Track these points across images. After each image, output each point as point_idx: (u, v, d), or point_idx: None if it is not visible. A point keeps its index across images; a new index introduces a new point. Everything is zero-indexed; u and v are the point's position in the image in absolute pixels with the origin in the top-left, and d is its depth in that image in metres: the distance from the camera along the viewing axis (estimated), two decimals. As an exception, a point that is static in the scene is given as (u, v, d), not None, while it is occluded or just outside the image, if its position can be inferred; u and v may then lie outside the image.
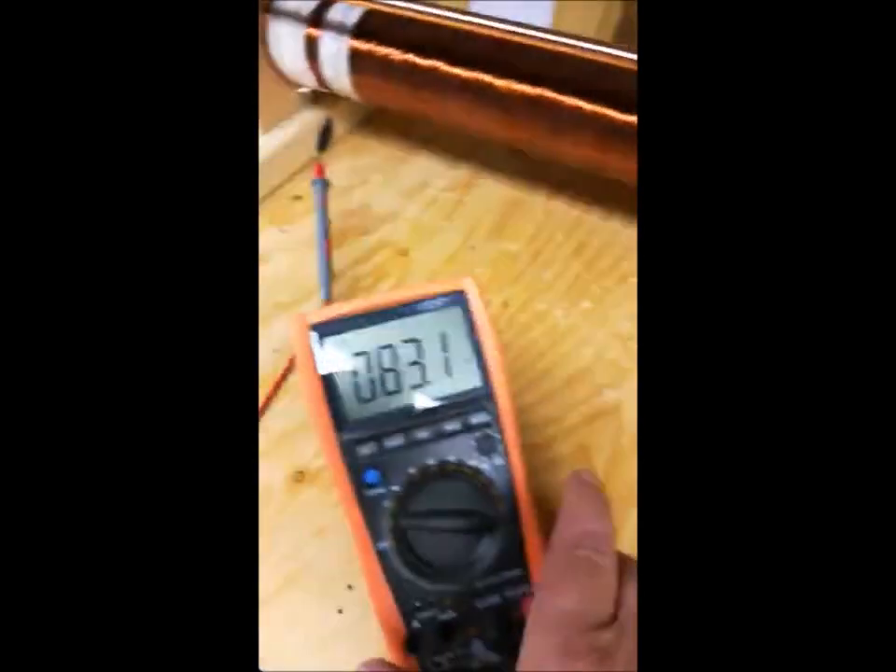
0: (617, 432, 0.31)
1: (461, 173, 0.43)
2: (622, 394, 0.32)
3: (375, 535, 0.23)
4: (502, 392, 0.24)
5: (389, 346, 0.24)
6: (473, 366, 0.24)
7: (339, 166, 0.45)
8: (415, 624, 0.23)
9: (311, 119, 0.45)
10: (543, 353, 0.34)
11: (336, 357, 0.24)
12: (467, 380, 0.24)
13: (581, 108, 0.34)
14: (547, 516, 0.29)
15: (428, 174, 0.44)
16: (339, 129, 0.47)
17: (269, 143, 0.44)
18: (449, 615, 0.23)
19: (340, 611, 0.28)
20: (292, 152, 0.45)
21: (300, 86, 0.44)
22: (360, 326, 0.24)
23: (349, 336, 0.24)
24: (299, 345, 0.24)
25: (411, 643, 0.23)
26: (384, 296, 0.24)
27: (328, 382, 0.24)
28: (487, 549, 0.24)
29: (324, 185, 0.38)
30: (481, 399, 0.24)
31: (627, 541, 0.29)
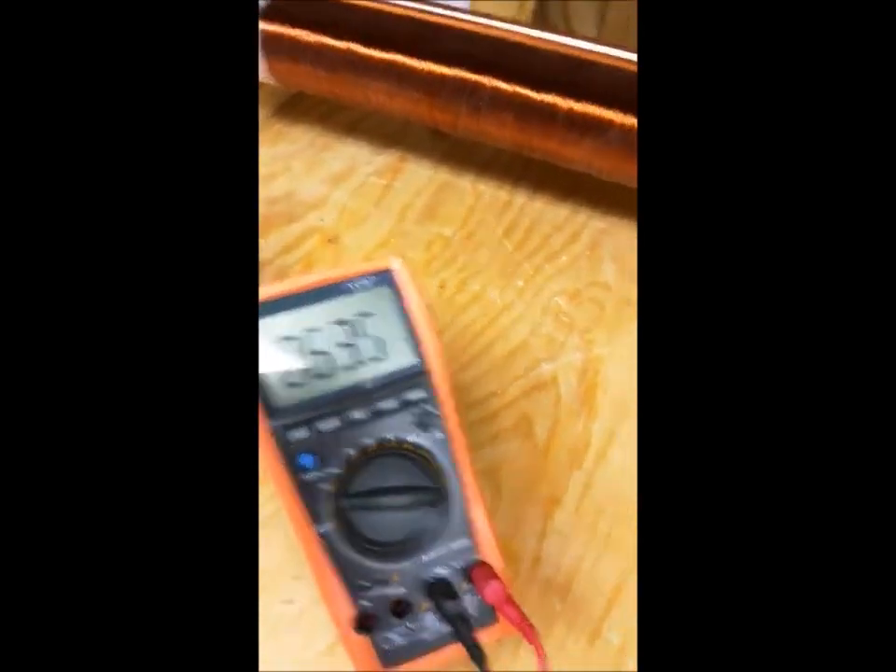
0: (555, 402, 0.32)
1: (388, 158, 0.43)
2: (557, 366, 0.33)
3: (316, 519, 0.23)
4: (438, 367, 0.24)
5: (318, 329, 0.24)
6: (407, 344, 0.24)
7: (260, 154, 0.44)
8: (364, 604, 0.23)
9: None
10: (481, 331, 0.34)
11: (261, 344, 0.23)
12: (401, 358, 0.24)
13: (499, 89, 0.34)
14: (494, 488, 0.30)
15: (354, 160, 0.43)
16: (259, 115, 0.46)
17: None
18: (398, 591, 0.24)
19: (290, 602, 0.28)
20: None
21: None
22: (286, 309, 0.24)
23: (275, 320, 0.24)
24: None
25: (360, 623, 0.23)
26: (309, 277, 0.24)
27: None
28: (432, 522, 0.24)
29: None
30: (416, 375, 0.24)
31: (571, 505, 0.30)
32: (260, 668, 0.26)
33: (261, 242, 0.38)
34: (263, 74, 0.38)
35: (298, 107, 0.47)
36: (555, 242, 0.38)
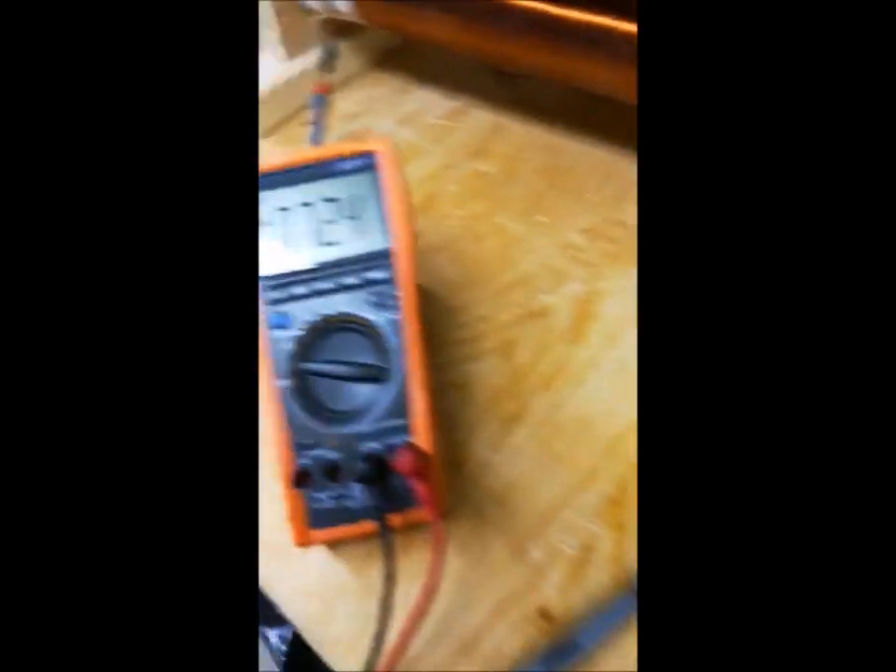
0: (545, 330, 0.32)
1: (456, 104, 0.45)
2: (556, 298, 0.33)
3: (278, 374, 0.25)
4: (404, 253, 0.26)
5: (310, 204, 0.26)
6: (381, 227, 0.26)
7: (353, 96, 0.48)
8: (304, 461, 0.25)
9: (328, 49, 0.49)
10: (491, 259, 0.35)
11: (261, 211, 0.26)
12: (373, 240, 0.26)
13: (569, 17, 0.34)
14: (462, 400, 0.30)
15: (428, 104, 0.46)
16: (359, 64, 0.50)
17: (288, 70, 0.47)
18: (334, 455, 0.25)
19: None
20: (309, 80, 0.48)
21: (310, 12, 0.47)
22: (286, 184, 0.26)
23: (275, 192, 0.26)
24: (229, 198, 0.26)
25: (298, 478, 0.25)
26: (301, 154, 0.27)
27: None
28: (375, 397, 0.25)
29: (321, 100, 0.41)
30: (382, 257, 0.26)
31: (531, 423, 0.29)
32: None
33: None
34: (353, 11, 0.42)
35: (394, 60, 0.51)
36: (589, 182, 0.38)
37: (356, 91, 0.49)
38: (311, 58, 0.48)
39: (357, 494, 0.25)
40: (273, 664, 0.66)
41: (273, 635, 0.67)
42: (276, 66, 0.48)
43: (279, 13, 0.46)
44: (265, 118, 0.47)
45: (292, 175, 0.26)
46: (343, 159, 0.26)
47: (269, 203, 0.26)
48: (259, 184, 0.26)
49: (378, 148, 0.26)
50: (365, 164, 0.26)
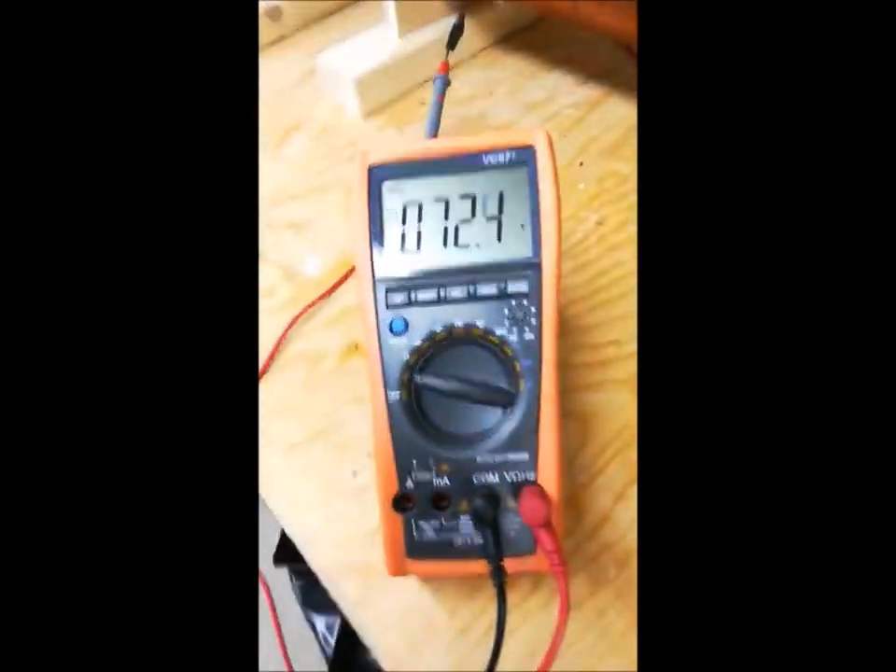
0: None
1: (590, 92, 0.40)
2: None
3: (389, 383, 0.23)
4: (549, 265, 0.22)
5: (444, 200, 0.23)
6: (527, 233, 0.23)
7: (469, 77, 0.45)
8: (409, 484, 0.23)
9: (450, 26, 0.45)
10: (624, 276, 0.31)
11: (389, 202, 0.23)
12: (515, 247, 0.23)
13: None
14: (583, 434, 0.27)
15: (555, 90, 0.41)
16: (478, 42, 0.47)
17: (405, 46, 0.44)
18: (443, 483, 0.22)
19: (354, 474, 0.28)
20: (427, 58, 0.45)
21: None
22: (420, 174, 0.23)
23: (406, 183, 0.23)
24: (356, 183, 0.24)
25: (399, 502, 0.23)
26: (447, 143, 0.23)
27: (376, 224, 0.23)
28: (497, 425, 0.22)
29: (444, 82, 0.38)
30: (525, 267, 0.22)
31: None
32: (305, 533, 0.27)
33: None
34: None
35: (517, 39, 0.47)
36: None
37: (472, 70, 0.45)
38: (427, 34, 0.45)
39: (466, 529, 0.22)
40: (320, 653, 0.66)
41: (320, 623, 0.67)
42: (390, 42, 0.45)
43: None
44: (374, 95, 0.44)
45: (426, 166, 0.23)
46: (489, 152, 0.23)
47: (398, 194, 0.23)
48: (389, 173, 0.23)
49: (534, 142, 0.23)
50: (516, 160, 0.23)
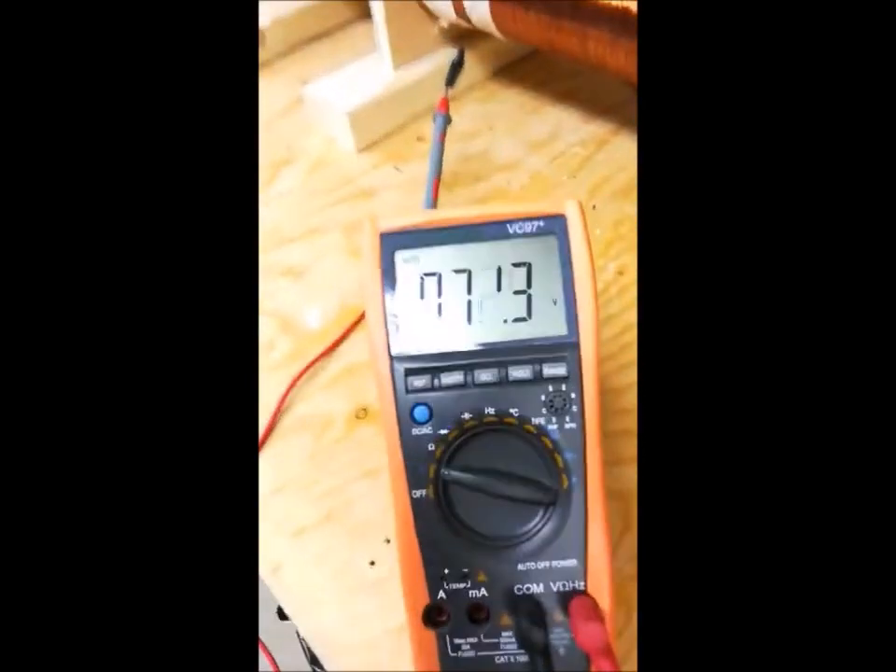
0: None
1: (597, 129, 0.38)
2: None
3: (413, 480, 0.20)
4: (588, 345, 0.20)
5: (465, 271, 0.21)
6: (560, 309, 0.20)
7: (468, 111, 0.43)
8: (441, 595, 0.20)
9: (447, 59, 0.43)
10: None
11: (403, 274, 0.21)
12: (549, 324, 0.20)
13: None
14: (625, 516, 0.25)
15: (560, 127, 0.39)
16: (475, 74, 0.45)
17: (400, 78, 0.42)
18: (481, 594, 0.20)
19: (372, 563, 0.25)
20: (422, 91, 0.43)
21: (439, 18, 0.41)
22: (436, 243, 0.21)
23: (422, 252, 0.21)
24: (367, 255, 0.21)
25: (431, 615, 0.20)
26: (468, 211, 0.21)
27: (390, 299, 0.21)
28: (540, 527, 0.20)
29: (445, 120, 0.36)
30: (561, 348, 0.20)
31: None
32: (322, 635, 0.24)
33: (444, 195, 0.37)
34: (486, 20, 0.37)
35: (516, 71, 0.45)
36: None
37: (473, 104, 0.43)
38: (422, 66, 0.43)
39: (509, 647, 0.20)
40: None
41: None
42: (384, 74, 0.43)
43: (389, 19, 0.40)
44: (368, 129, 0.42)
45: (445, 234, 0.21)
46: (520, 220, 0.21)
47: (414, 264, 0.21)
48: (405, 241, 0.21)
49: (568, 212, 0.20)
50: (546, 229, 0.20)
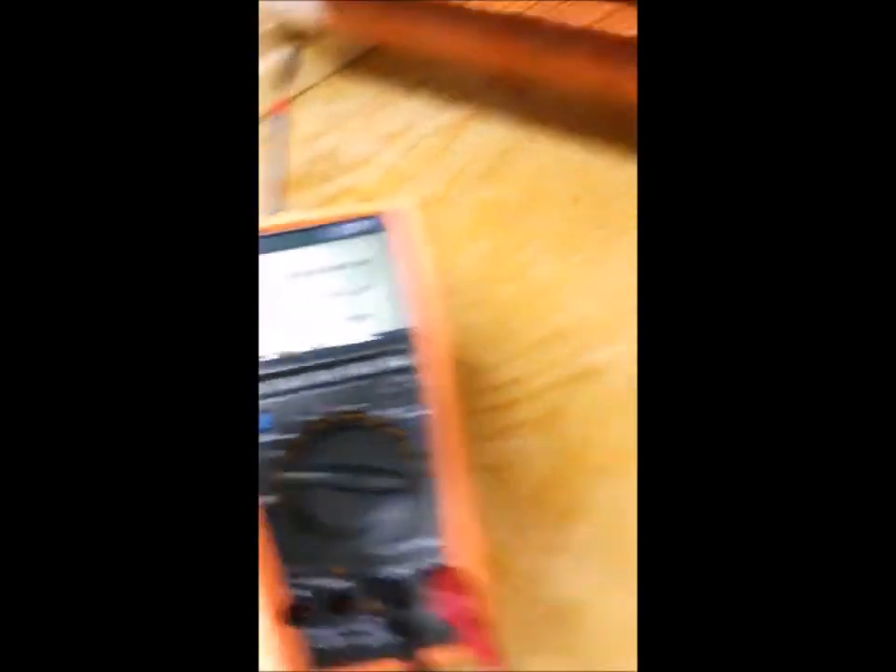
0: (600, 397, 0.26)
1: (452, 116, 0.39)
2: (610, 355, 0.27)
3: (262, 487, 0.20)
4: (430, 335, 0.20)
5: (298, 276, 0.21)
6: (396, 304, 0.20)
7: (311, 112, 0.41)
8: (301, 593, 0.20)
9: (279, 61, 0.42)
10: (521, 308, 0.29)
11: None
12: (387, 319, 0.20)
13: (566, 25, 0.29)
14: (499, 487, 0.25)
15: (414, 118, 0.39)
16: (315, 75, 0.44)
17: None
18: (342, 585, 0.20)
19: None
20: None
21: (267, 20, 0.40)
22: (274, 249, 0.21)
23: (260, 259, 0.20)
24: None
25: (293, 614, 0.20)
26: (300, 216, 0.21)
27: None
28: (394, 512, 0.20)
29: (281, 122, 0.35)
30: (401, 340, 0.20)
31: (594, 521, 0.24)
32: None
33: (292, 200, 0.36)
34: (321, 13, 0.36)
35: (361, 66, 0.44)
36: (633, 211, 0.32)
37: (316, 105, 0.42)
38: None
39: (373, 631, 0.20)
40: None
41: None
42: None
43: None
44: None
45: (276, 241, 0.21)
46: (351, 221, 0.21)
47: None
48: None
49: (397, 211, 0.21)
50: (379, 226, 0.21)
